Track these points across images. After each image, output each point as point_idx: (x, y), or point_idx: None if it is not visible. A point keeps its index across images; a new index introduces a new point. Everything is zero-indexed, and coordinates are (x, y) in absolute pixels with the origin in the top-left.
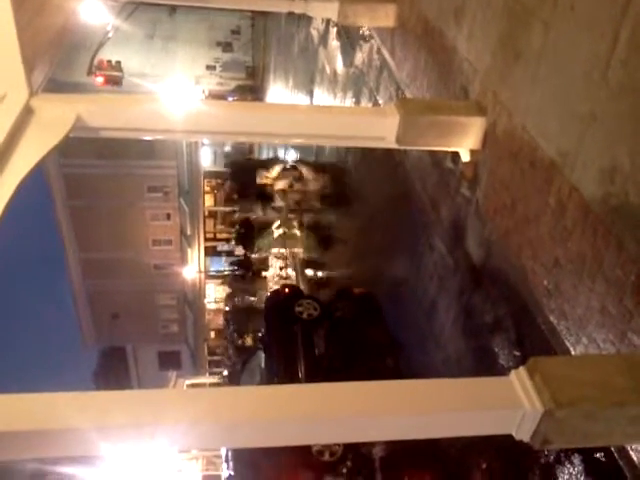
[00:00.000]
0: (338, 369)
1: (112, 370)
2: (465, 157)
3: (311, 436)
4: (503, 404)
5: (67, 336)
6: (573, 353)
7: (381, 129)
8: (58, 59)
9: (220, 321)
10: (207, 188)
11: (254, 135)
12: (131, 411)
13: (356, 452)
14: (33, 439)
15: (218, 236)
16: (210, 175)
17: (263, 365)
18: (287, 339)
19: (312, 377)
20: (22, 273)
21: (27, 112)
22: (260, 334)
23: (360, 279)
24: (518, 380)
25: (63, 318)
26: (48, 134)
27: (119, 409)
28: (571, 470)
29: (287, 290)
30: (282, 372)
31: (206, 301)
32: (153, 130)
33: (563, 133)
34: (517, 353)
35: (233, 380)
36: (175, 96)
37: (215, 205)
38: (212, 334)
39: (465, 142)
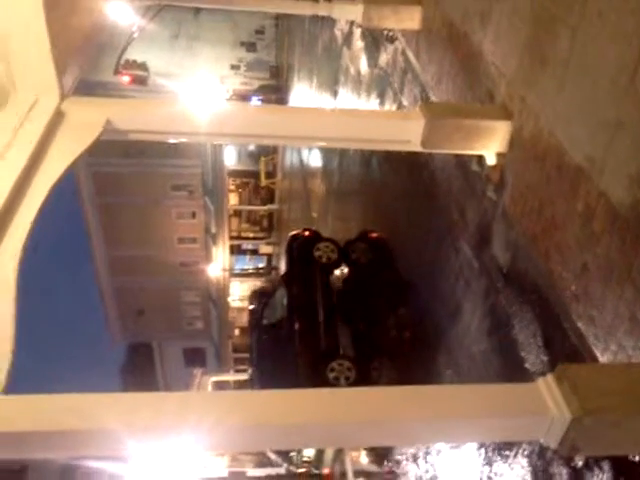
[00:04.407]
0: (354, 316)
1: (138, 366)
2: (491, 160)
3: (334, 439)
4: (531, 411)
5: (96, 332)
6: (601, 360)
7: (406, 132)
8: (88, 62)
9: (244, 319)
10: (232, 187)
11: (278, 138)
12: (158, 413)
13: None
14: (62, 439)
15: (242, 234)
16: (235, 174)
17: (285, 302)
18: (307, 281)
19: (330, 320)
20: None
21: (58, 116)
22: (283, 272)
23: None
24: (546, 387)
25: (91, 315)
26: (79, 137)
27: (146, 410)
28: (601, 476)
29: (307, 233)
30: (302, 313)
31: (230, 299)
32: (179, 133)
33: (590, 139)
34: (544, 358)
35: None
36: (200, 96)
37: (240, 204)
38: (236, 332)
39: (491, 146)
